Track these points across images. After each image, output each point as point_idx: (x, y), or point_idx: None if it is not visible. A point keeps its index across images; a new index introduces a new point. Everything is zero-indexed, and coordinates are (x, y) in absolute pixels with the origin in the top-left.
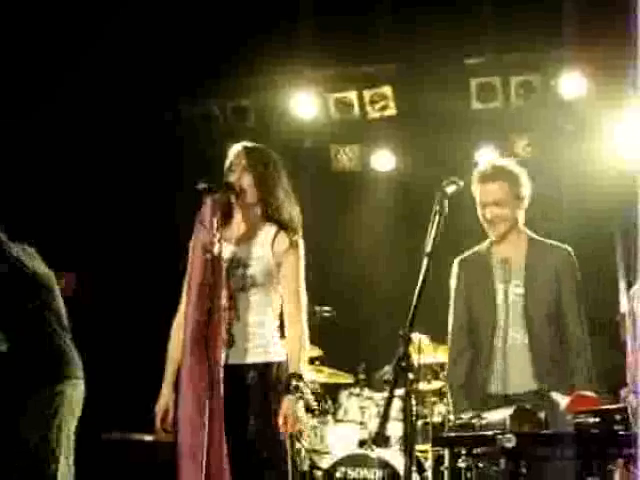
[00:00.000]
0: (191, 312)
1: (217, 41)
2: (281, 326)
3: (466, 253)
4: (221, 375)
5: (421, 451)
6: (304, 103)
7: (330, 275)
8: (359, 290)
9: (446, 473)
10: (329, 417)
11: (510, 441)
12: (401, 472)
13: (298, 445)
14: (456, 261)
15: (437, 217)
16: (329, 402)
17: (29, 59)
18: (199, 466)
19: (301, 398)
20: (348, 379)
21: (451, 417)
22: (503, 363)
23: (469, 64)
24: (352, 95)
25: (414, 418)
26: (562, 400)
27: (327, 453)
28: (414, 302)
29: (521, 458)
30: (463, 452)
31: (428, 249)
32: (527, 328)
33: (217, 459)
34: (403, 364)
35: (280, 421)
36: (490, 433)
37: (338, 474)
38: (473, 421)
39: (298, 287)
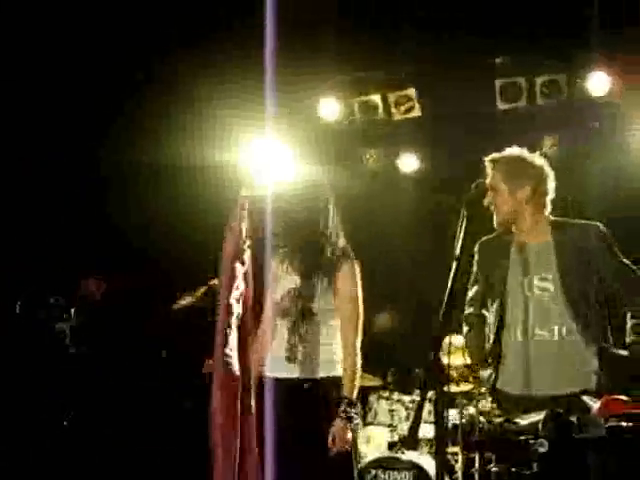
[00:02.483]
0: (221, 319)
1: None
2: None
3: (487, 237)
4: (250, 382)
5: (451, 454)
6: (329, 107)
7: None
8: (387, 292)
9: (476, 476)
10: (358, 420)
11: (543, 446)
12: (431, 474)
13: None
14: (477, 245)
15: (465, 220)
16: (358, 405)
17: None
18: (232, 468)
19: (350, 422)
20: (378, 382)
21: (482, 419)
22: (520, 361)
23: (493, 64)
24: (376, 98)
25: (445, 421)
26: (594, 404)
27: (357, 456)
28: (444, 305)
29: (554, 463)
30: (492, 456)
31: (457, 252)
32: (558, 322)
33: (250, 461)
34: (435, 367)
35: (329, 440)
36: (522, 438)
37: (368, 477)
38: (504, 425)
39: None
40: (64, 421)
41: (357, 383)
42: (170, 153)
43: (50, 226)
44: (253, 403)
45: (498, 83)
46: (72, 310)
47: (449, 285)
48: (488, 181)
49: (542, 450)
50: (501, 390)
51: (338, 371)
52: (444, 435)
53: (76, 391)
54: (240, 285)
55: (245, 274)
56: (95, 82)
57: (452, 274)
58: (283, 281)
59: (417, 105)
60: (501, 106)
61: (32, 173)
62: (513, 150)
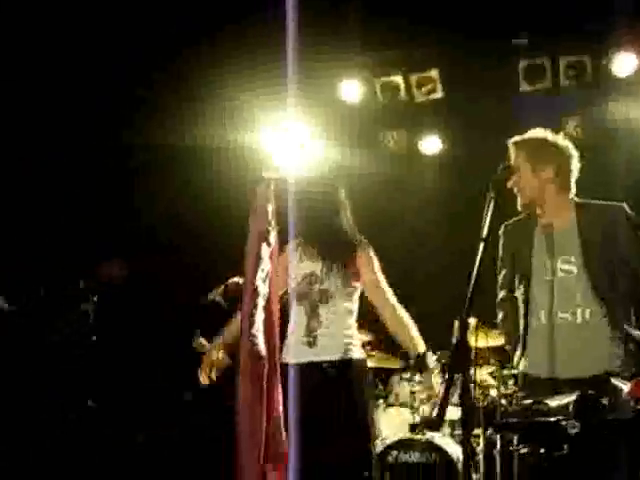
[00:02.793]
0: (246, 301)
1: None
2: None
3: (512, 219)
4: (276, 364)
5: (473, 435)
6: (351, 88)
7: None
8: (409, 274)
9: (498, 457)
10: (380, 402)
11: (575, 427)
12: (452, 456)
13: None
14: (502, 228)
15: (491, 202)
16: (380, 387)
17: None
18: (258, 452)
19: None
20: (399, 364)
21: (503, 402)
22: (544, 344)
23: (517, 45)
24: (398, 79)
25: (472, 403)
26: (624, 385)
27: (378, 437)
28: (470, 287)
29: (585, 444)
30: (514, 437)
31: (484, 234)
32: (581, 305)
33: (275, 444)
34: (461, 348)
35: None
36: (553, 419)
37: (389, 458)
38: (534, 407)
39: None
40: (88, 401)
41: (417, 334)
42: (192, 137)
43: (74, 210)
44: (279, 385)
45: (522, 64)
46: (95, 292)
47: (475, 267)
48: (512, 163)
49: (573, 432)
50: (526, 372)
51: (356, 353)
52: (470, 416)
53: (98, 372)
54: (266, 266)
55: (271, 255)
56: (116, 67)
57: (478, 256)
58: (299, 267)
59: (439, 86)
60: (524, 87)
61: (57, 159)
62: (537, 131)
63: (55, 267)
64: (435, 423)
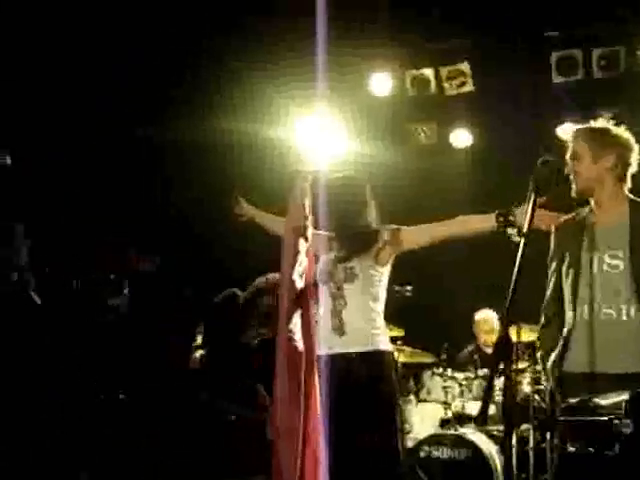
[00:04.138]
0: (284, 296)
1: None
2: None
3: (566, 216)
4: (314, 360)
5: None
6: (381, 81)
7: (409, 254)
8: (440, 268)
9: (531, 454)
10: (412, 397)
11: (628, 427)
12: (485, 451)
13: None
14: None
15: (533, 197)
16: (411, 382)
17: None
18: (295, 446)
19: None
20: (430, 359)
21: (537, 397)
22: (586, 340)
23: (549, 37)
24: (429, 72)
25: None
26: None
27: (410, 433)
28: (513, 283)
29: (637, 444)
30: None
31: (525, 229)
32: (628, 302)
33: (313, 440)
34: (504, 343)
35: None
36: (605, 418)
37: (422, 454)
38: (583, 405)
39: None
40: (120, 394)
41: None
42: (224, 132)
43: (105, 203)
44: (316, 380)
45: (554, 56)
46: (125, 285)
47: (517, 262)
48: (571, 149)
49: (627, 431)
50: (565, 369)
51: (384, 345)
52: (512, 411)
53: (129, 364)
54: (303, 261)
55: (307, 250)
56: (151, 63)
57: (520, 251)
58: (325, 254)
59: (470, 79)
60: (557, 80)
61: (90, 153)
62: (599, 122)
63: (87, 260)
64: (480, 419)
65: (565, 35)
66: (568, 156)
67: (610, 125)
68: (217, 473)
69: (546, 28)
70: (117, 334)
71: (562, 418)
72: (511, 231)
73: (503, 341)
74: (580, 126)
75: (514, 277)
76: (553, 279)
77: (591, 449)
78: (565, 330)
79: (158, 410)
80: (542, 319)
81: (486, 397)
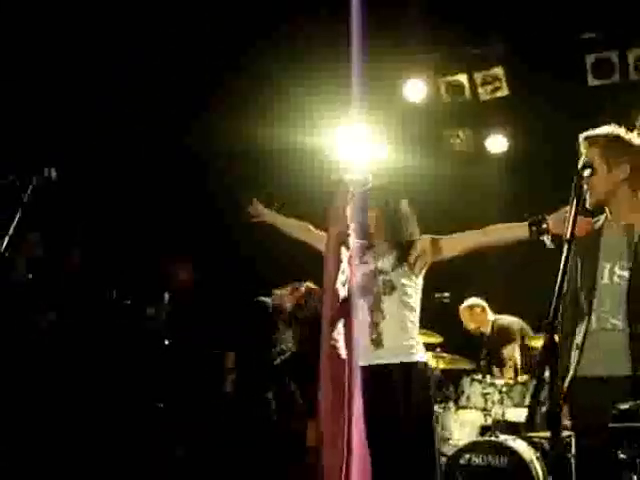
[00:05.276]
0: (328, 305)
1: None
2: None
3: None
4: (355, 368)
5: (544, 438)
6: (415, 88)
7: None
8: (476, 273)
9: (573, 460)
10: (451, 404)
11: None
12: (526, 458)
13: None
14: None
15: (574, 202)
16: (451, 388)
17: None
18: (340, 452)
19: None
20: (470, 365)
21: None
22: (593, 347)
23: (583, 39)
24: (463, 78)
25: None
26: None
27: (449, 440)
28: (557, 289)
29: None
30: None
31: (567, 235)
32: (629, 316)
33: (358, 446)
34: (549, 350)
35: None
36: None
37: (462, 461)
38: (631, 410)
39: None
40: (159, 404)
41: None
42: (257, 139)
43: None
44: (359, 389)
45: (589, 59)
46: (165, 295)
47: (561, 270)
48: (582, 159)
49: None
50: (575, 375)
51: (419, 356)
52: (558, 417)
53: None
54: (346, 269)
55: (349, 258)
56: (185, 71)
57: (563, 258)
58: (361, 267)
59: (505, 84)
60: (592, 83)
61: (133, 163)
62: (610, 128)
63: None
64: (528, 425)
65: (600, 37)
66: (580, 166)
67: (622, 131)
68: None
69: (581, 30)
70: (154, 344)
71: (617, 425)
72: (545, 238)
73: (549, 347)
74: (589, 133)
75: (558, 284)
76: (569, 287)
77: None
78: (579, 337)
79: (194, 419)
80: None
81: (533, 404)
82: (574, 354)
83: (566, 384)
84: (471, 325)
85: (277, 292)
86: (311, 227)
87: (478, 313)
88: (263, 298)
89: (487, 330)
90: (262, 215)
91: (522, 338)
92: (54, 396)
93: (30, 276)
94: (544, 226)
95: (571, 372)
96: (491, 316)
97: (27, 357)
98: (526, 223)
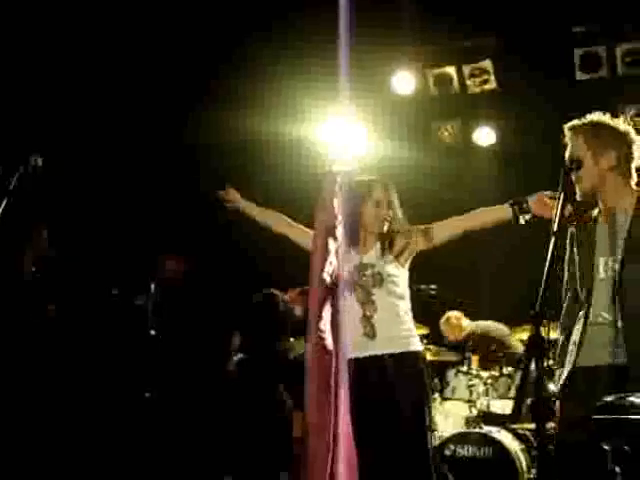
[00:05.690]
0: (314, 296)
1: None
2: None
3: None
4: (341, 359)
5: (530, 430)
6: (403, 80)
7: (433, 253)
8: (463, 267)
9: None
10: (436, 395)
11: None
12: (510, 450)
13: None
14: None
15: (562, 195)
16: (436, 380)
17: None
18: (326, 443)
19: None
20: (455, 357)
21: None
22: (584, 339)
23: (572, 33)
24: (451, 70)
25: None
26: None
27: (435, 431)
28: (543, 282)
29: None
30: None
31: (554, 228)
32: (618, 309)
33: (344, 437)
34: (535, 341)
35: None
36: None
37: (447, 452)
38: (616, 402)
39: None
40: (145, 393)
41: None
42: (247, 131)
43: (136, 205)
44: (345, 380)
45: (577, 53)
46: (152, 286)
47: (547, 262)
48: (569, 151)
49: None
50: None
51: (415, 345)
52: (543, 407)
53: (156, 365)
54: (333, 260)
55: (336, 250)
56: (179, 64)
57: (550, 251)
58: (349, 258)
59: (493, 77)
60: (580, 77)
61: (126, 158)
62: (594, 115)
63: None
64: (514, 416)
65: (589, 31)
66: (566, 158)
67: (606, 118)
68: (241, 470)
69: (570, 24)
70: (142, 333)
71: (602, 417)
72: (527, 217)
73: (534, 339)
74: (574, 122)
75: (545, 275)
76: (564, 279)
77: (627, 448)
78: (577, 332)
79: (182, 408)
80: (560, 334)
81: (519, 395)
82: (572, 348)
83: (563, 377)
84: (450, 336)
85: (285, 296)
86: (290, 221)
87: (454, 323)
88: (273, 290)
89: (464, 336)
90: (236, 201)
91: (501, 342)
92: (46, 388)
93: (37, 274)
94: (524, 206)
95: (569, 366)
96: (466, 323)
97: (17, 348)
98: (506, 204)
